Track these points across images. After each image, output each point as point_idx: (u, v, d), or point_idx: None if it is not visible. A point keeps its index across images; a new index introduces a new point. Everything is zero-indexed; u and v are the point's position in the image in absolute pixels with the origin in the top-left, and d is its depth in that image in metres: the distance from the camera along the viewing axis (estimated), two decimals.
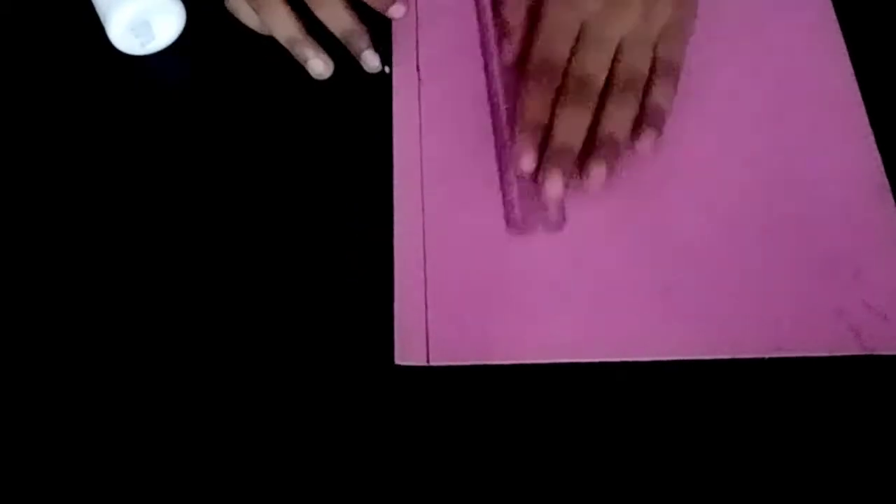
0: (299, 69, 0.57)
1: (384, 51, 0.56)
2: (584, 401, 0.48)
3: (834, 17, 0.59)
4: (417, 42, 0.58)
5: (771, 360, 0.48)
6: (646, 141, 0.51)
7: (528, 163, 0.51)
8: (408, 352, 0.48)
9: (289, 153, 0.55)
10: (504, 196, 0.52)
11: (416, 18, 0.59)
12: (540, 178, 0.50)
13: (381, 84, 0.57)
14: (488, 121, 0.55)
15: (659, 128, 0.52)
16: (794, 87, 0.57)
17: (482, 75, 0.57)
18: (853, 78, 0.57)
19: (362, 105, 0.56)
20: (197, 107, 0.56)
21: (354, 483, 0.46)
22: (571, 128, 0.51)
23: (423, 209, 0.52)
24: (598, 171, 0.50)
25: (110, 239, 0.52)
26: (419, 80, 0.57)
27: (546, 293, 0.50)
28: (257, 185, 0.54)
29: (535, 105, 0.52)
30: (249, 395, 0.47)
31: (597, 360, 0.48)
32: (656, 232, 0.52)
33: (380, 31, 0.58)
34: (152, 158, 0.55)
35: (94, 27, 0.56)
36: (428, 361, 0.48)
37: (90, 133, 0.55)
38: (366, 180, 0.53)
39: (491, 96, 0.56)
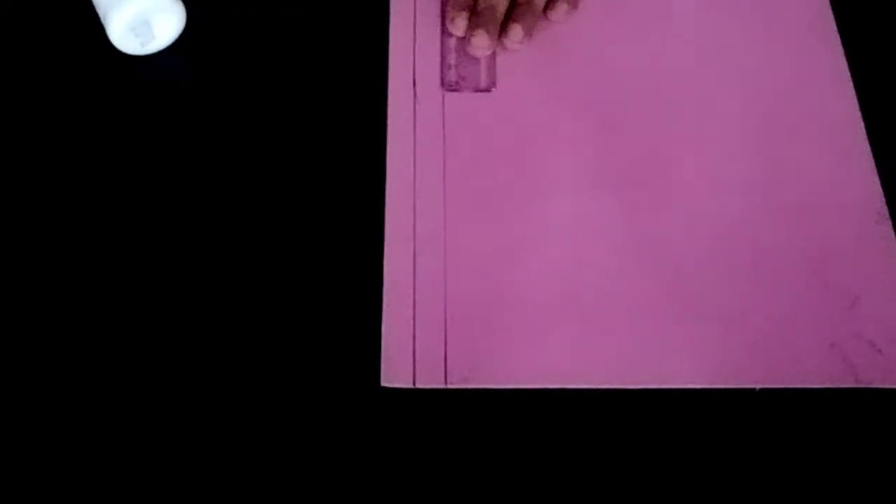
0: (299, 70, 0.57)
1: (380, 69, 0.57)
2: (572, 427, 0.48)
3: (838, 40, 0.58)
4: (414, 59, 0.58)
5: (763, 391, 0.48)
6: (558, 11, 0.58)
7: (460, 26, 0.57)
8: (394, 374, 0.48)
9: (284, 160, 0.55)
10: (443, 60, 0.57)
11: (414, 36, 0.59)
12: (466, 37, 0.57)
13: (377, 101, 0.56)
14: (483, 142, 0.55)
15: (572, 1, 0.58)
16: (794, 112, 0.56)
17: (478, 94, 0.57)
18: (855, 103, 0.56)
19: (357, 122, 0.56)
20: (197, 107, 0.56)
21: None
22: None
23: (413, 231, 0.52)
24: (515, 31, 0.57)
25: (109, 239, 0.52)
26: (415, 96, 0.56)
27: (535, 318, 0.50)
28: (252, 192, 0.54)
29: None
30: (234, 414, 0.48)
31: (587, 386, 0.48)
32: (650, 260, 0.51)
33: (376, 48, 0.58)
34: (152, 158, 0.55)
35: (94, 27, 0.56)
36: (414, 384, 0.48)
37: (90, 133, 0.55)
38: (357, 200, 0.53)
39: None
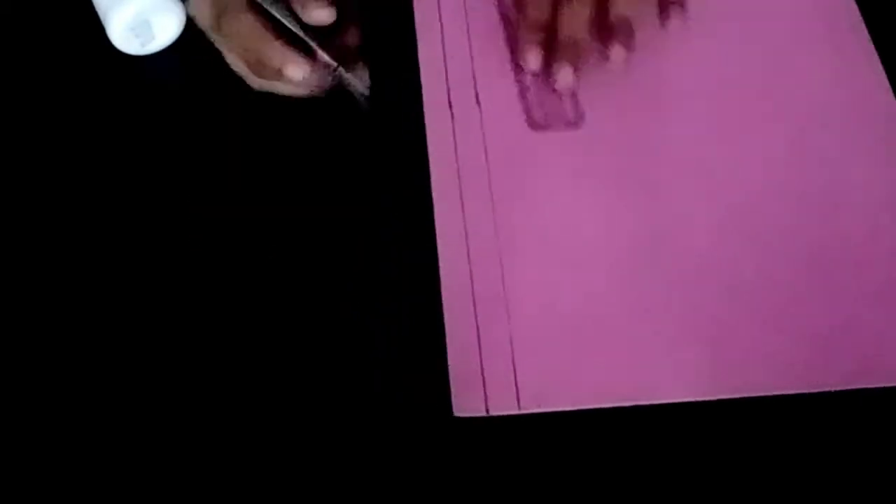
0: None
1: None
2: (646, 444, 0.47)
3: (863, 28, 0.59)
4: (447, 77, 0.57)
5: (843, 392, 0.47)
6: (675, 20, 0.55)
7: (533, 61, 0.54)
8: (466, 403, 0.47)
9: (285, 160, 0.55)
10: (523, 101, 0.55)
11: (444, 52, 0.57)
12: (551, 73, 0.54)
13: (405, 111, 0.56)
14: (525, 155, 0.54)
15: (683, 3, 0.55)
16: (830, 106, 0.56)
17: (514, 104, 0.56)
18: (891, 95, 0.56)
19: (367, 127, 0.55)
20: (197, 107, 0.56)
21: None
22: (575, 20, 0.54)
23: (468, 255, 0.51)
24: (618, 53, 0.54)
25: (110, 239, 0.52)
26: (452, 116, 0.55)
27: (601, 335, 0.48)
28: (253, 192, 0.54)
29: (536, 4, 0.55)
30: (307, 451, 0.47)
31: (653, 402, 0.47)
32: (703, 268, 0.50)
33: (407, 67, 0.57)
34: (152, 158, 0.54)
35: (94, 27, 0.56)
36: (487, 412, 0.47)
37: (90, 133, 0.55)
38: (403, 229, 0.52)
39: (501, 7, 0.58)
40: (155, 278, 0.51)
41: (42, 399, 0.48)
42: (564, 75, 0.54)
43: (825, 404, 0.47)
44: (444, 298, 0.49)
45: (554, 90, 0.55)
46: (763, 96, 0.56)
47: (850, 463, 0.47)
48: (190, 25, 0.57)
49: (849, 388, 0.47)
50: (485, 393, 0.47)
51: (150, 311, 0.50)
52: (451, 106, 0.56)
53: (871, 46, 0.58)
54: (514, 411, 0.47)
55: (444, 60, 0.57)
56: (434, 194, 0.53)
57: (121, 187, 0.53)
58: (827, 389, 0.47)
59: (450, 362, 0.48)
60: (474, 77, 0.57)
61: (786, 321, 0.49)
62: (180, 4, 0.56)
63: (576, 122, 0.54)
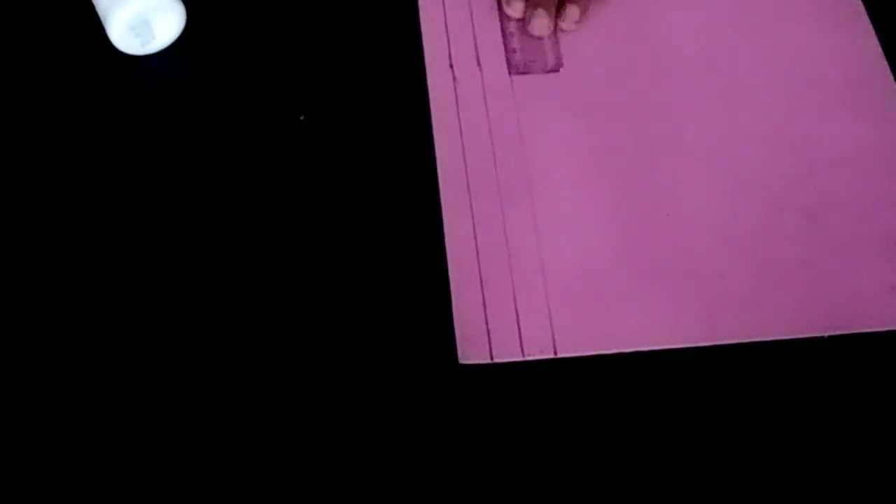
0: (301, 67, 0.57)
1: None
2: (644, 389, 0.48)
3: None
4: (448, 41, 0.59)
5: (832, 338, 0.49)
6: None
7: (515, 9, 0.59)
8: (471, 350, 0.48)
9: (285, 160, 0.55)
10: (506, 46, 0.59)
11: (445, 19, 0.60)
12: (526, 18, 0.58)
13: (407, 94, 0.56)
14: (528, 111, 0.56)
15: None
16: (820, 64, 0.58)
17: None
18: (882, 56, 0.58)
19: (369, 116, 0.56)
20: (197, 107, 0.56)
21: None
22: None
23: (471, 206, 0.52)
24: (571, 10, 0.58)
25: (110, 239, 0.52)
26: (454, 78, 0.57)
27: (602, 285, 0.50)
28: (254, 189, 0.54)
29: None
30: (315, 401, 0.47)
31: (659, 347, 0.48)
32: (704, 219, 0.52)
33: (409, 36, 0.59)
34: (152, 158, 0.54)
35: (94, 27, 0.56)
36: (491, 359, 0.48)
37: (90, 133, 0.55)
38: (406, 184, 0.53)
39: None
40: (156, 278, 0.51)
41: (38, 399, 0.48)
42: (537, 21, 0.58)
43: (815, 349, 0.49)
44: (448, 249, 0.51)
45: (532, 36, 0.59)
46: (752, 48, 0.58)
47: (837, 404, 0.48)
48: (190, 25, 0.58)
49: (836, 333, 0.49)
50: (489, 341, 0.48)
51: (150, 311, 0.50)
52: (452, 67, 0.58)
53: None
54: (518, 358, 0.48)
55: (445, 22, 0.60)
56: (436, 146, 0.54)
57: (121, 187, 0.53)
58: (820, 335, 0.49)
59: (454, 312, 0.49)
60: (475, 37, 0.59)
61: (778, 270, 0.51)
62: (180, 4, 0.56)
63: (555, 67, 0.58)
